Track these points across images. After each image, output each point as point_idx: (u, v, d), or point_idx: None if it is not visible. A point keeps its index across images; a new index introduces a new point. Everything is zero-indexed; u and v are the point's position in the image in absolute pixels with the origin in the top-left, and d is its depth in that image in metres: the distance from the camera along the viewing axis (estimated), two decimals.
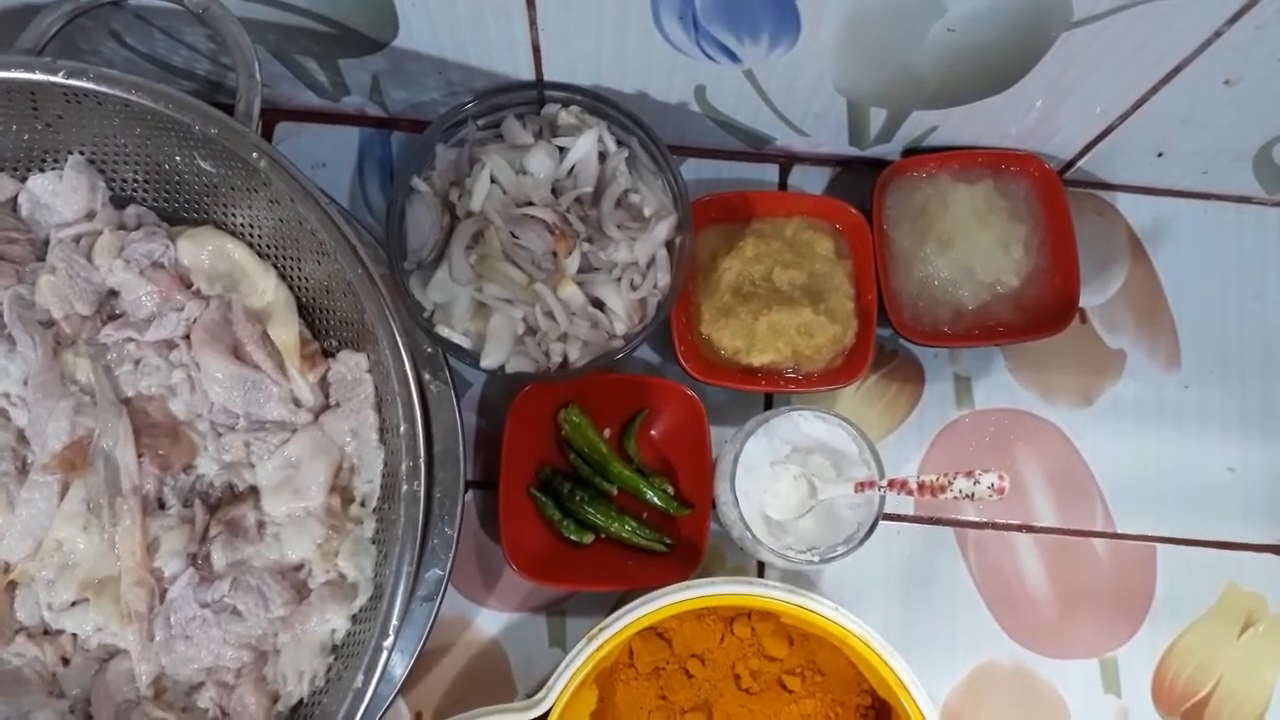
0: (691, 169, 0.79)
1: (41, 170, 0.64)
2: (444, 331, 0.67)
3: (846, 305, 0.72)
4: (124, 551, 0.59)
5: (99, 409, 0.60)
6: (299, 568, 0.61)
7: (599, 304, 0.69)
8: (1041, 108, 0.70)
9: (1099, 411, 0.77)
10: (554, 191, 0.70)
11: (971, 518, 0.74)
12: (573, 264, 0.68)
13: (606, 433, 0.72)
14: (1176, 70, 0.64)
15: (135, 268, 0.63)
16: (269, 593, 0.59)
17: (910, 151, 0.77)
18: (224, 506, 0.62)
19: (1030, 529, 0.74)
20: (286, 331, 0.63)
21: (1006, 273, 0.74)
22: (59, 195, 0.63)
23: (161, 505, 0.62)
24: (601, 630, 0.61)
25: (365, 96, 0.75)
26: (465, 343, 0.68)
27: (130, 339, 0.62)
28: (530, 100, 0.72)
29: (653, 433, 0.73)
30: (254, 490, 0.62)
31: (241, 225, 0.65)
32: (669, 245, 0.70)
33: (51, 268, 0.62)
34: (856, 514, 0.64)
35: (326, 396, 0.64)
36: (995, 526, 0.74)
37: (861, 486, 0.63)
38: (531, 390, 0.69)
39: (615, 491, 0.71)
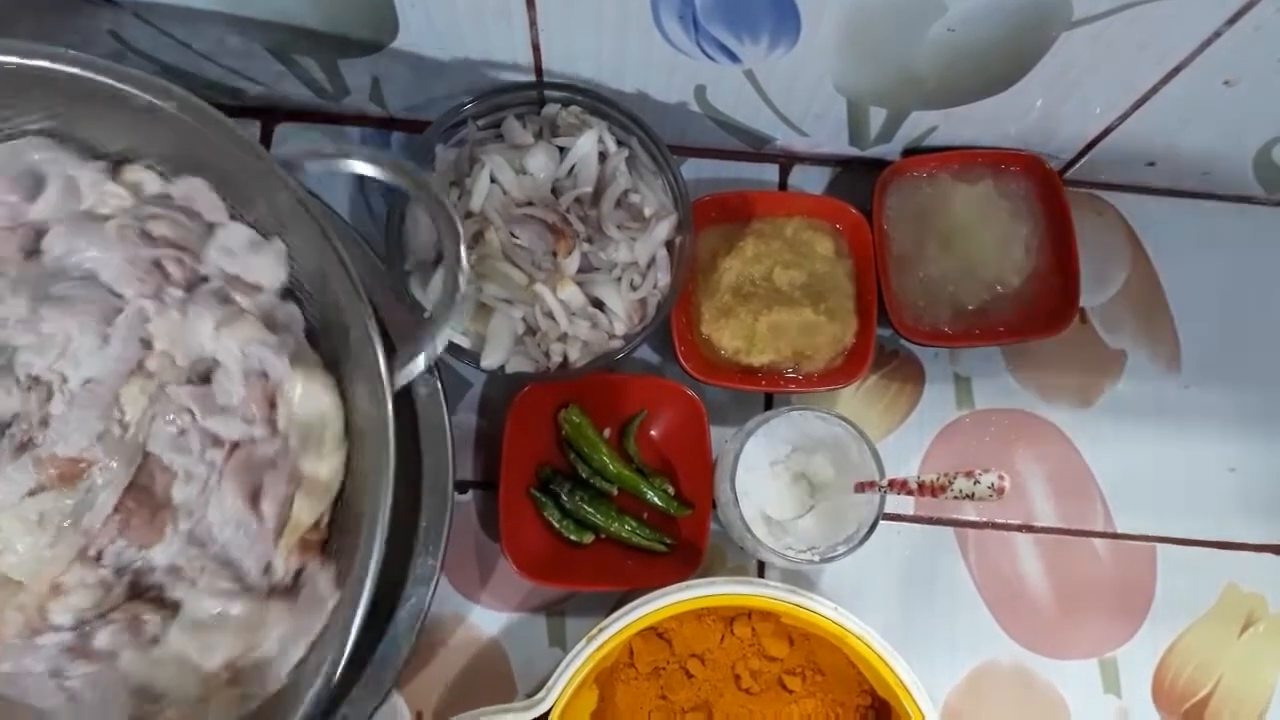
0: (691, 169, 0.79)
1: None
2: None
3: (847, 305, 0.72)
4: (39, 575, 0.57)
5: (119, 447, 0.58)
6: (156, 697, 0.57)
7: (599, 304, 0.69)
8: (1041, 108, 0.70)
9: (1099, 412, 0.77)
10: (554, 192, 0.70)
11: (971, 518, 0.74)
12: (573, 264, 0.68)
13: (606, 433, 0.72)
14: (1176, 70, 0.64)
15: (248, 363, 0.59)
16: (110, 706, 0.56)
17: (910, 151, 0.77)
18: (141, 601, 0.58)
19: (1030, 529, 0.74)
20: (309, 511, 0.59)
21: (1007, 272, 0.74)
22: (256, 256, 0.59)
23: (98, 559, 0.58)
24: (601, 630, 0.61)
25: (365, 97, 0.75)
26: (465, 343, 0.68)
27: (191, 411, 0.59)
28: (530, 100, 0.72)
29: (653, 433, 0.73)
30: (174, 607, 0.58)
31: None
32: (669, 245, 0.70)
33: (183, 308, 0.59)
34: (857, 514, 0.64)
35: (293, 583, 0.59)
36: (995, 526, 0.74)
37: (862, 487, 0.63)
38: (531, 390, 0.69)
39: (615, 492, 0.71)
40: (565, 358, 0.68)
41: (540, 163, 0.70)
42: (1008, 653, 0.72)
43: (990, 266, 0.73)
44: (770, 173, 0.80)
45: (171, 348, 0.59)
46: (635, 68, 0.68)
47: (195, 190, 0.60)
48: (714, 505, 0.69)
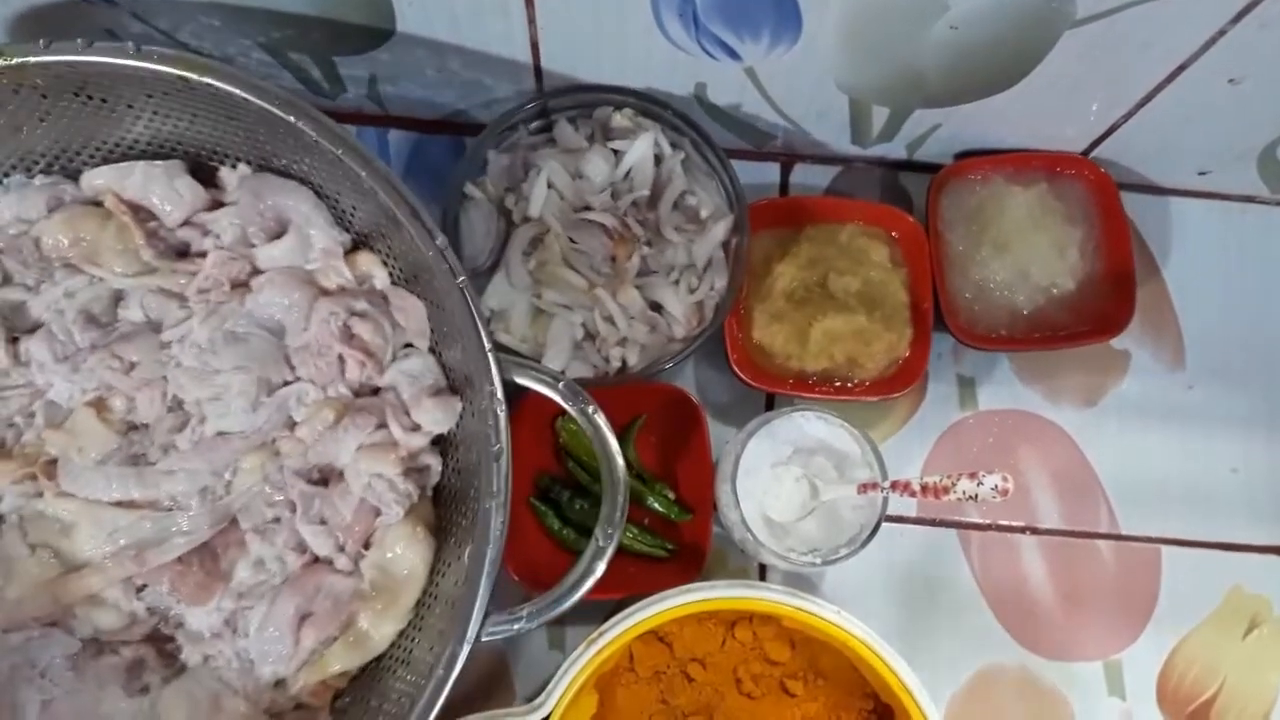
0: None
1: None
2: (503, 338, 0.67)
3: (902, 314, 0.71)
4: (86, 576, 0.57)
5: (213, 507, 0.58)
6: None
7: (656, 307, 0.68)
8: (1045, 106, 0.70)
9: (1103, 412, 0.76)
10: (609, 195, 0.70)
11: (975, 519, 0.74)
12: (633, 268, 0.68)
13: None
14: (1180, 69, 0.64)
15: (369, 494, 0.58)
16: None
17: (962, 154, 0.77)
18: (154, 648, 0.58)
19: (1034, 530, 0.74)
20: (343, 661, 0.57)
21: (1062, 276, 0.73)
22: (432, 399, 0.59)
23: (140, 590, 0.58)
24: (601, 634, 0.60)
25: (363, 95, 0.75)
26: (524, 348, 0.67)
27: (294, 507, 0.58)
28: (581, 104, 0.71)
29: (652, 438, 0.72)
30: (179, 670, 0.58)
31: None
32: (725, 246, 0.70)
33: (340, 413, 0.58)
34: (859, 515, 0.64)
35: (291, 713, 0.59)
36: (999, 528, 0.74)
37: (865, 488, 0.63)
38: (529, 399, 0.68)
39: None
40: (624, 362, 0.68)
41: (596, 166, 0.69)
42: (1011, 655, 0.71)
43: (1045, 270, 0.73)
44: (771, 171, 0.79)
45: (310, 440, 0.58)
46: (635, 65, 0.68)
47: (413, 308, 0.60)
48: (715, 508, 0.68)
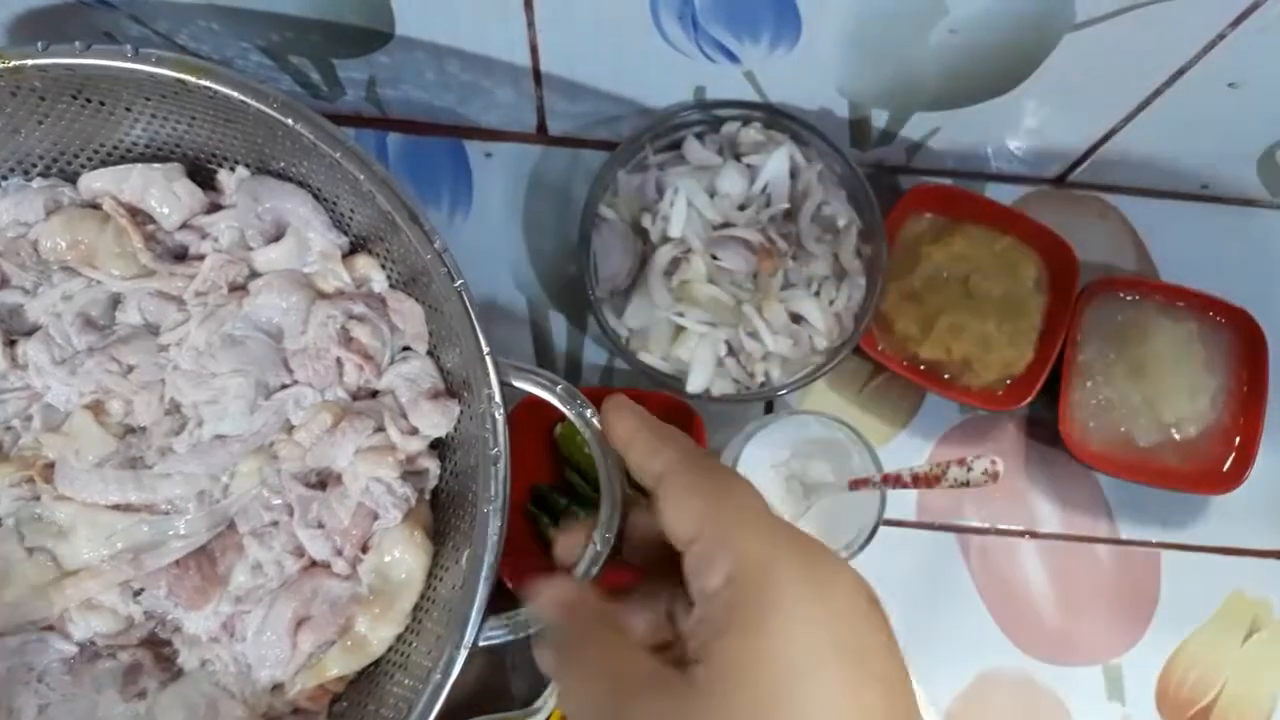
0: None
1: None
2: (645, 358, 0.68)
3: (1030, 336, 0.71)
4: (82, 580, 0.56)
5: (211, 510, 0.57)
6: None
7: (796, 320, 0.69)
8: (1044, 109, 0.70)
9: None
10: (744, 210, 0.70)
11: (974, 523, 0.74)
12: (777, 283, 0.68)
13: None
14: (1180, 73, 0.64)
15: (366, 498, 0.57)
16: None
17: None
18: (151, 653, 0.58)
19: (1033, 535, 0.74)
20: (340, 665, 0.57)
21: (1187, 420, 0.72)
22: (430, 402, 0.58)
23: (137, 594, 0.57)
24: None
25: (361, 98, 0.75)
26: (666, 367, 0.68)
27: (291, 511, 0.58)
28: (703, 120, 0.72)
29: None
30: (176, 675, 0.58)
31: None
32: (860, 254, 0.70)
33: (338, 417, 0.58)
34: (856, 519, 0.64)
35: (288, 717, 0.58)
36: (998, 532, 0.74)
37: (856, 484, 0.63)
38: (526, 405, 0.68)
39: None
40: (768, 377, 0.68)
41: (733, 182, 0.69)
42: (1011, 660, 0.71)
43: (1172, 409, 0.72)
44: None
45: (307, 443, 0.58)
46: (634, 68, 0.68)
47: (410, 312, 0.60)
48: None
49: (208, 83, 0.53)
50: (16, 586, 0.56)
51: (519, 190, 0.77)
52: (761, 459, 0.65)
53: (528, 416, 0.68)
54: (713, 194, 0.70)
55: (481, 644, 0.51)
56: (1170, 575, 0.73)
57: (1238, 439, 0.72)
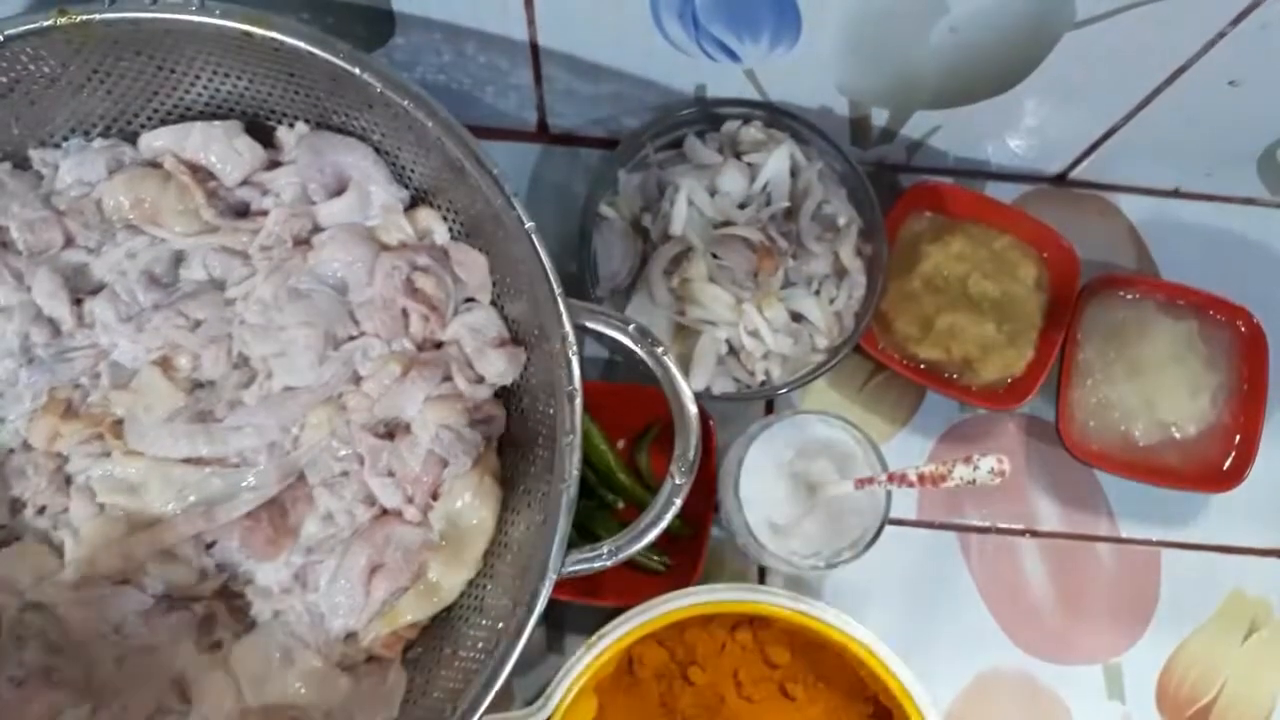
0: None
1: None
2: None
3: (1030, 335, 0.71)
4: (158, 532, 0.57)
5: (281, 462, 0.57)
6: (186, 699, 0.56)
7: (796, 319, 0.69)
8: (1044, 108, 0.70)
9: None
10: (741, 208, 0.70)
11: (975, 522, 0.74)
12: (777, 281, 0.68)
13: (621, 444, 0.71)
14: (1180, 71, 0.64)
15: (436, 444, 0.58)
16: (146, 684, 0.56)
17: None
18: (225, 603, 0.59)
19: (1034, 534, 0.74)
20: (415, 611, 0.58)
21: (1187, 419, 0.72)
22: (495, 350, 0.60)
23: (209, 547, 0.58)
24: (601, 637, 0.60)
25: None
26: None
27: (362, 460, 0.58)
28: (705, 118, 0.72)
29: (659, 447, 0.71)
30: (250, 626, 0.58)
31: None
32: (860, 253, 0.70)
33: (407, 366, 0.58)
34: (862, 518, 0.63)
35: (364, 664, 0.59)
36: (999, 531, 0.74)
37: (861, 483, 0.62)
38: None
39: (620, 505, 0.70)
40: (768, 375, 0.68)
41: (734, 181, 0.70)
42: (1011, 658, 0.71)
43: (1171, 408, 0.72)
44: None
45: (376, 394, 0.59)
46: (635, 66, 0.68)
47: (473, 262, 0.61)
48: (716, 511, 0.68)
49: (274, 34, 0.53)
50: (89, 543, 0.57)
51: (520, 189, 0.77)
52: (766, 459, 0.65)
53: None
54: (713, 193, 0.70)
55: (566, 573, 0.52)
56: (1170, 574, 0.73)
57: (1238, 437, 0.72)
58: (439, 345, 0.61)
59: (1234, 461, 0.72)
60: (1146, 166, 0.77)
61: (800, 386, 0.68)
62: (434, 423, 0.58)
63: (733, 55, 0.65)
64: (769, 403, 0.74)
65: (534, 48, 0.66)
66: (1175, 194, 0.81)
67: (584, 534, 0.69)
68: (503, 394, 0.61)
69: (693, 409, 0.54)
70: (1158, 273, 0.79)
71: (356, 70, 0.54)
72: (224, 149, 0.60)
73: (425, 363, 0.59)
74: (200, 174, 0.60)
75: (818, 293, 0.69)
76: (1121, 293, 0.75)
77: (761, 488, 0.64)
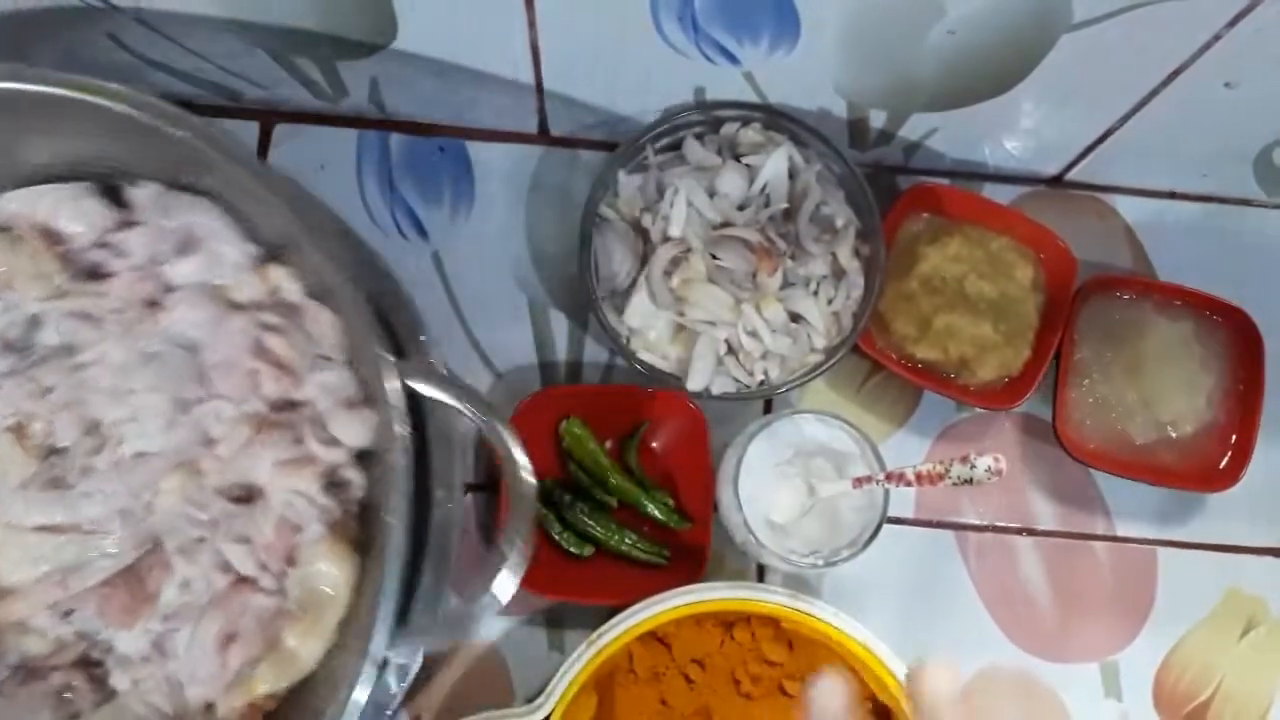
0: None
1: None
2: (646, 356, 0.68)
3: (1026, 335, 0.72)
4: (12, 603, 0.56)
5: (136, 529, 0.56)
6: None
7: (794, 319, 0.69)
8: (1042, 110, 0.70)
9: None
10: (740, 209, 0.71)
11: (972, 521, 0.74)
12: (776, 282, 0.68)
13: (608, 445, 0.71)
14: (1176, 73, 0.64)
15: (289, 511, 0.56)
16: None
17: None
18: (83, 673, 0.57)
19: (1031, 532, 0.74)
20: (270, 681, 0.55)
21: (1184, 418, 0.72)
22: (349, 412, 0.57)
23: (67, 615, 0.56)
24: (600, 635, 0.61)
25: (364, 99, 0.75)
26: (666, 366, 0.68)
27: (216, 526, 0.56)
28: (704, 120, 0.72)
29: (654, 445, 0.72)
30: (109, 696, 0.56)
31: None
32: (858, 254, 0.70)
33: (258, 429, 0.56)
34: (860, 517, 0.64)
35: None
36: (996, 530, 0.74)
37: (859, 482, 0.63)
38: (533, 400, 0.69)
39: (615, 504, 0.70)
40: (766, 375, 0.68)
41: (733, 183, 0.70)
42: (1008, 656, 0.72)
43: (1168, 407, 0.72)
44: None
45: (229, 457, 0.57)
46: (634, 68, 0.68)
47: (326, 324, 0.59)
48: (715, 510, 0.68)
49: (104, 101, 0.52)
50: None
51: (520, 190, 0.78)
52: (765, 458, 0.65)
53: (535, 412, 0.69)
54: (712, 194, 0.70)
55: (394, 661, 0.49)
56: (1167, 572, 0.74)
57: (1234, 437, 0.73)
58: (295, 405, 0.59)
59: (1230, 461, 0.72)
60: (1143, 168, 0.78)
61: (798, 386, 0.68)
62: (284, 487, 0.56)
63: (732, 58, 0.66)
64: (767, 402, 0.74)
65: (534, 49, 0.67)
66: (1172, 195, 0.81)
67: (584, 538, 0.69)
68: (365, 457, 0.59)
69: (527, 480, 0.49)
70: (1154, 273, 0.79)
71: (191, 138, 0.52)
72: (75, 211, 0.59)
73: (276, 425, 0.57)
74: (53, 237, 0.59)
75: (816, 293, 0.70)
76: (1118, 293, 0.75)
77: (760, 487, 0.65)
